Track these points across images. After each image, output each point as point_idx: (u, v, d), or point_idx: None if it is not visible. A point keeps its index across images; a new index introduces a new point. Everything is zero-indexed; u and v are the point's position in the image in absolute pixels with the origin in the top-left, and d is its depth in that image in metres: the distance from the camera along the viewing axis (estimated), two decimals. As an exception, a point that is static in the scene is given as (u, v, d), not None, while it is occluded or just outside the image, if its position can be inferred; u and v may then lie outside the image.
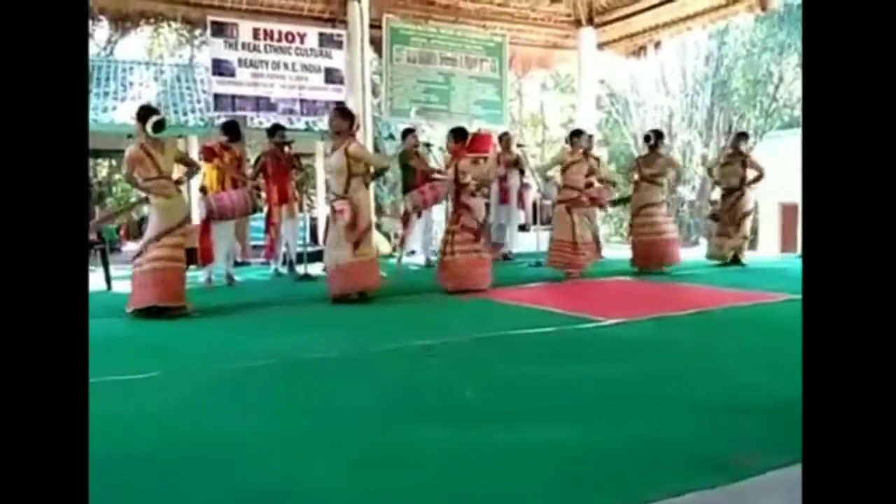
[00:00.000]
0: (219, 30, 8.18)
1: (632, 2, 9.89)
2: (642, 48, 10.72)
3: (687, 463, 1.84)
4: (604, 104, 17.09)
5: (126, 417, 2.37)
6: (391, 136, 12.79)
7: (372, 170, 5.43)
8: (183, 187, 5.39)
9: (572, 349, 3.48)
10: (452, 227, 5.66)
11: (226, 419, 2.39)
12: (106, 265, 6.33)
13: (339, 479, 1.81)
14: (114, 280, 6.12)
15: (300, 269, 6.80)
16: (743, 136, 7.89)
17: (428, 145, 7.81)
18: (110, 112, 12.17)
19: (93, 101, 12.15)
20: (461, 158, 5.73)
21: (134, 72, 14.08)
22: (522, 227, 9.17)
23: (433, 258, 7.61)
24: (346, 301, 5.09)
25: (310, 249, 7.04)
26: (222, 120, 7.44)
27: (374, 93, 9.70)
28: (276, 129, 6.87)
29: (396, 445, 2.06)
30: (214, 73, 8.24)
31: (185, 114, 12.82)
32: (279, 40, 8.50)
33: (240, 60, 8.26)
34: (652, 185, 7.02)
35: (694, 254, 9.27)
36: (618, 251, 8.70)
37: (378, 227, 9.89)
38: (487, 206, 6.93)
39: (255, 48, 8.34)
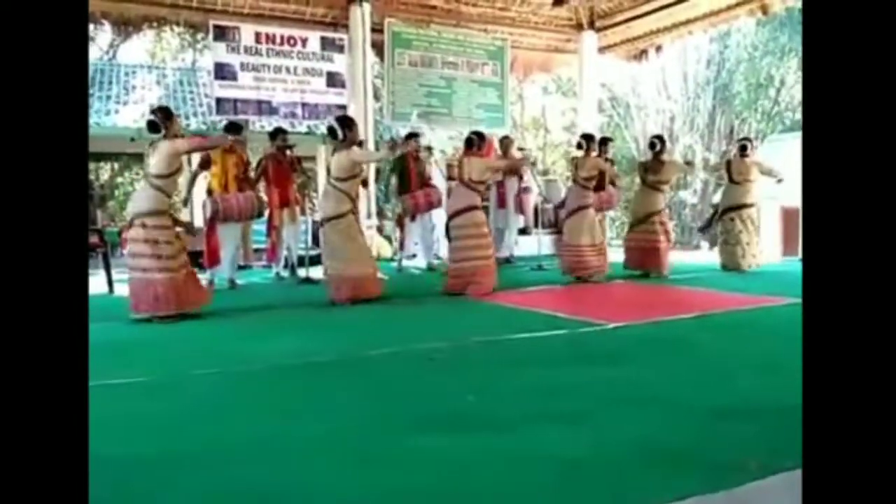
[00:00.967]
0: (221, 34, 8.22)
1: (633, 6, 9.91)
2: (643, 52, 10.75)
3: (688, 467, 1.84)
4: (605, 108, 17.08)
5: (127, 419, 2.38)
6: (393, 140, 12.79)
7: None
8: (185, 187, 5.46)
9: (574, 353, 3.48)
10: (461, 230, 5.64)
11: (226, 422, 2.39)
12: (108, 268, 6.34)
13: (340, 481, 1.81)
14: (115, 283, 6.13)
15: (302, 272, 6.81)
16: (744, 143, 7.46)
17: (429, 149, 7.81)
18: (113, 115, 12.18)
19: (95, 104, 12.18)
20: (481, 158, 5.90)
21: (136, 75, 14.10)
22: (524, 231, 9.17)
23: (436, 262, 7.62)
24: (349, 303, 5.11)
25: (311, 253, 7.05)
26: (224, 124, 7.45)
27: (376, 97, 9.71)
28: (277, 133, 6.88)
29: (397, 448, 2.06)
30: (217, 77, 8.28)
31: (187, 117, 12.83)
32: (281, 44, 8.53)
33: (242, 64, 8.29)
34: (655, 192, 7.04)
35: (695, 258, 9.28)
36: (618, 254, 8.69)
37: (380, 230, 9.89)
38: (486, 209, 6.92)
39: (257, 52, 8.37)
